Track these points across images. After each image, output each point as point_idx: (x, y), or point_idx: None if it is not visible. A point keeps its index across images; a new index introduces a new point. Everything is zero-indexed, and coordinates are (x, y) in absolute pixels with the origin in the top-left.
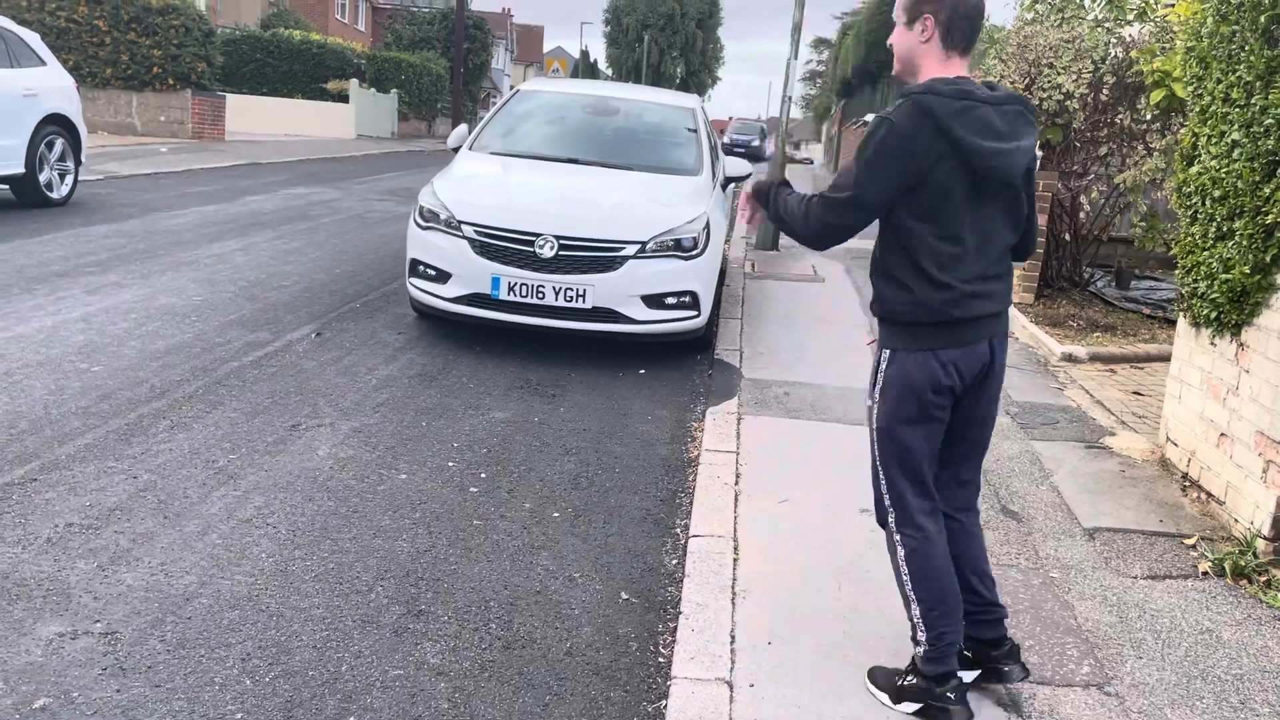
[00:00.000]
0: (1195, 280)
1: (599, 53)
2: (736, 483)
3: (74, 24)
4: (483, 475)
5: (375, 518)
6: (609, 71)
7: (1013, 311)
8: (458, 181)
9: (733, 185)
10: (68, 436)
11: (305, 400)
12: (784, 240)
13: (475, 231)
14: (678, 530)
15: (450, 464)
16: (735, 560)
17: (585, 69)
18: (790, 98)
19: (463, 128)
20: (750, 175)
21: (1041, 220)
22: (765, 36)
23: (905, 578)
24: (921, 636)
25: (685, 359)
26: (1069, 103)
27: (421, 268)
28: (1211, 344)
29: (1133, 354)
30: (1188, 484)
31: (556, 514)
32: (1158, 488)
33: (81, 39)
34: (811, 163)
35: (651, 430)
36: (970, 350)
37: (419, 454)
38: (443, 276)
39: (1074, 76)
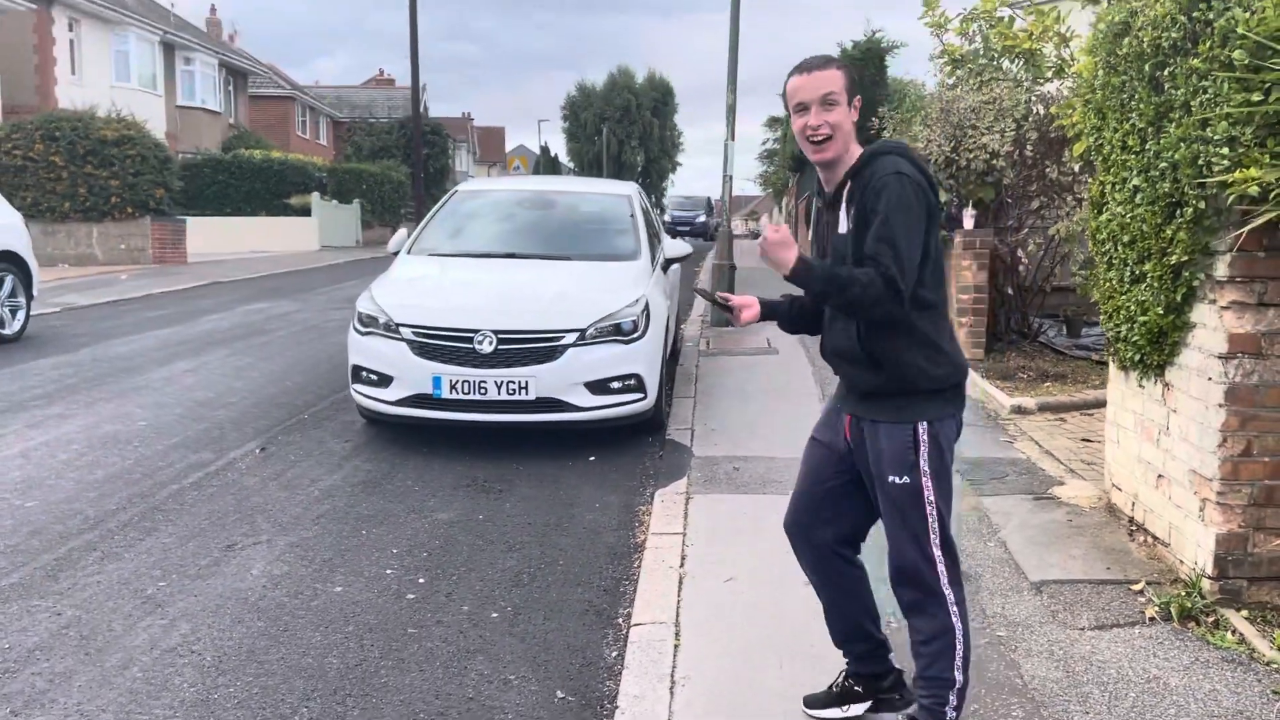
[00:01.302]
0: (1117, 325)
1: (559, 147)
2: (682, 565)
3: (31, 161)
4: (421, 580)
5: (305, 635)
6: (571, 165)
7: None
8: (396, 285)
9: (674, 266)
10: None
11: (243, 518)
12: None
13: (414, 333)
14: (619, 620)
15: (388, 571)
16: (676, 646)
17: (547, 164)
18: (731, 176)
19: (402, 232)
20: (689, 254)
21: (983, 276)
22: (721, 119)
23: (959, 658)
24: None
25: (637, 442)
26: (996, 161)
27: (364, 373)
28: (1140, 386)
29: (1081, 401)
30: (1134, 528)
31: (495, 614)
32: (1104, 534)
33: (39, 175)
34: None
35: (599, 518)
36: None
37: (356, 564)
38: (384, 380)
39: (998, 136)
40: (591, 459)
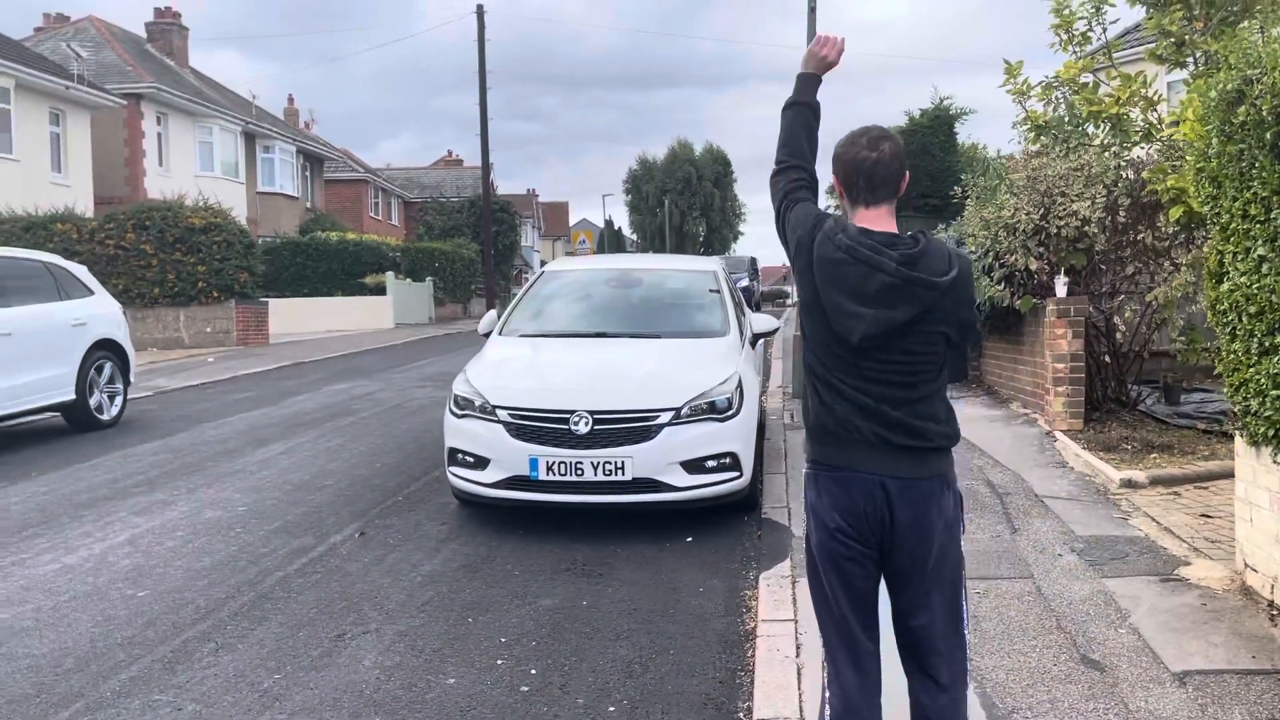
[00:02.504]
0: (1246, 398)
1: (622, 220)
2: (798, 655)
3: (123, 250)
4: (533, 671)
5: None
6: (634, 237)
7: (1063, 439)
8: (489, 367)
9: (761, 341)
10: (113, 670)
11: (350, 606)
12: (802, 413)
13: (509, 415)
14: (740, 715)
15: (499, 662)
16: None
17: (611, 237)
18: None
19: (491, 314)
20: (777, 329)
21: (1079, 344)
22: None
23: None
24: None
25: (732, 521)
26: (1087, 228)
27: (460, 455)
28: (1275, 462)
29: (1194, 473)
30: (1275, 612)
31: (612, 708)
32: (1244, 619)
33: (130, 263)
34: None
35: (704, 604)
36: None
37: (467, 654)
38: (481, 463)
39: (1089, 202)
40: (689, 540)
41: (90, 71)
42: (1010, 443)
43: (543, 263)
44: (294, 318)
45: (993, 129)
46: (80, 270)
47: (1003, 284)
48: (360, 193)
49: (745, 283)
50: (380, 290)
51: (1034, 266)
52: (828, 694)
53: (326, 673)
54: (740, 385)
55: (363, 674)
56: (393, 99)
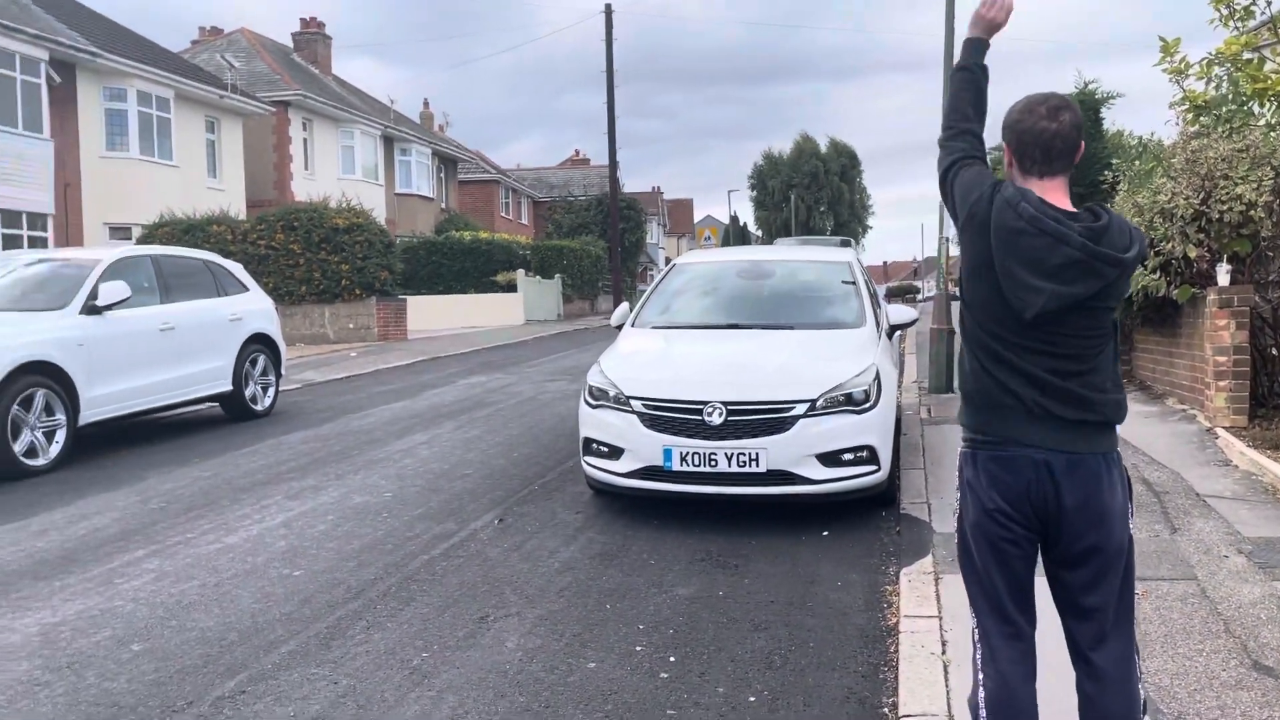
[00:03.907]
0: None
1: (747, 216)
2: (944, 652)
3: (273, 250)
4: (672, 659)
5: (568, 712)
6: (759, 233)
7: (1226, 436)
8: (623, 358)
9: (898, 333)
10: (273, 645)
11: (492, 590)
12: (958, 382)
13: (644, 405)
14: (885, 710)
15: (638, 648)
16: None
17: (736, 233)
18: (948, 238)
19: (624, 306)
20: (915, 320)
21: (1243, 336)
22: (909, 179)
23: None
24: None
25: (869, 516)
26: (1253, 212)
27: (594, 445)
28: None
29: None
30: None
31: (753, 698)
32: None
33: (279, 262)
34: None
35: (843, 598)
36: None
37: (606, 639)
38: (615, 452)
39: (1254, 185)
40: (825, 533)
41: (242, 81)
42: (1167, 440)
43: (668, 260)
44: (430, 314)
45: (1141, 114)
46: (236, 268)
47: (1158, 273)
48: (492, 193)
49: None
50: (511, 287)
51: (1193, 254)
52: (980, 676)
53: (471, 653)
54: (878, 377)
55: (506, 655)
56: (519, 100)
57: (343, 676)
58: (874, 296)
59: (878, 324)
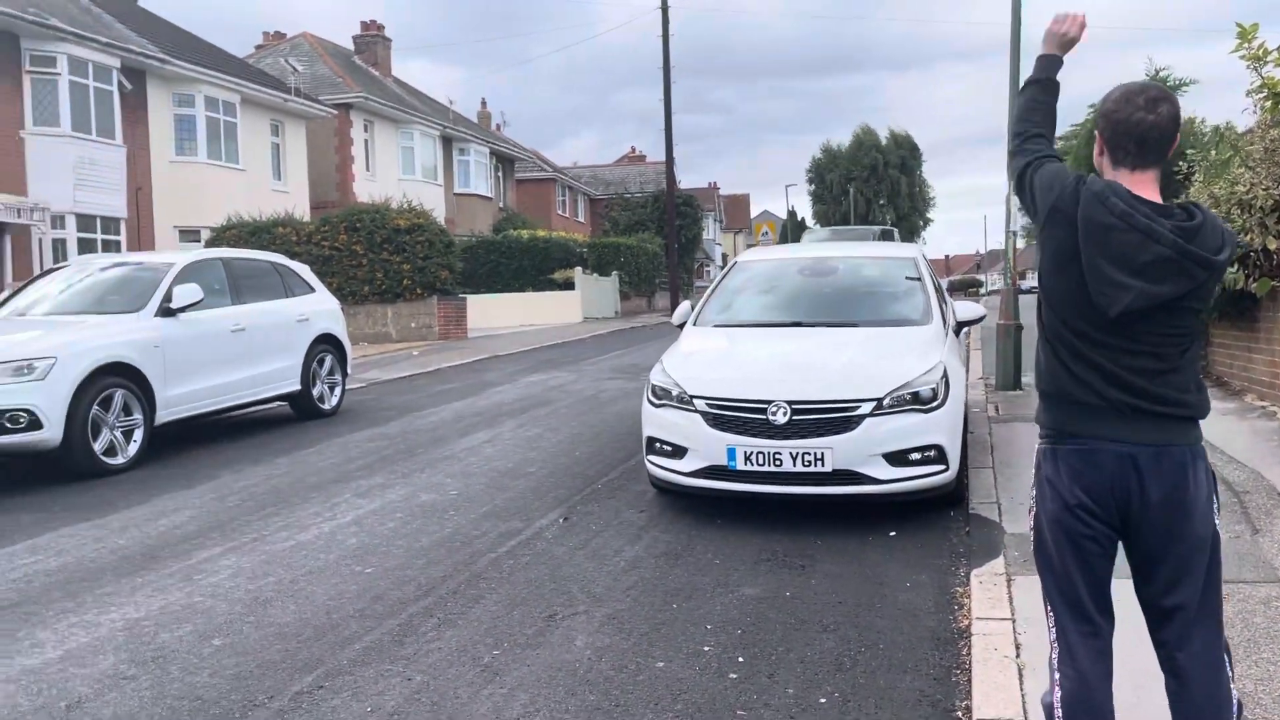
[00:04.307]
0: None
1: (805, 210)
2: (1018, 655)
3: (336, 250)
4: (740, 659)
5: (638, 711)
6: (816, 228)
7: None
8: (685, 357)
9: (965, 330)
10: (348, 640)
11: (559, 588)
12: (1027, 377)
13: (707, 404)
14: (959, 714)
15: (706, 648)
16: None
17: (793, 228)
18: (1015, 231)
19: (685, 305)
20: (983, 317)
21: None
22: (971, 170)
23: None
24: None
25: (937, 516)
26: None
27: (658, 444)
28: None
29: None
30: None
31: (823, 700)
32: None
33: (343, 263)
34: None
35: (913, 599)
36: None
37: (673, 639)
38: (679, 451)
39: None
40: (892, 534)
41: (305, 84)
42: (1247, 438)
43: (724, 256)
44: (489, 312)
45: (1216, 102)
46: (303, 269)
47: (1235, 265)
48: (548, 191)
49: None
50: (569, 285)
51: (1273, 246)
52: (1057, 676)
53: (541, 651)
54: (945, 375)
55: (575, 653)
56: (575, 98)
57: (416, 673)
58: (940, 292)
59: (944, 320)
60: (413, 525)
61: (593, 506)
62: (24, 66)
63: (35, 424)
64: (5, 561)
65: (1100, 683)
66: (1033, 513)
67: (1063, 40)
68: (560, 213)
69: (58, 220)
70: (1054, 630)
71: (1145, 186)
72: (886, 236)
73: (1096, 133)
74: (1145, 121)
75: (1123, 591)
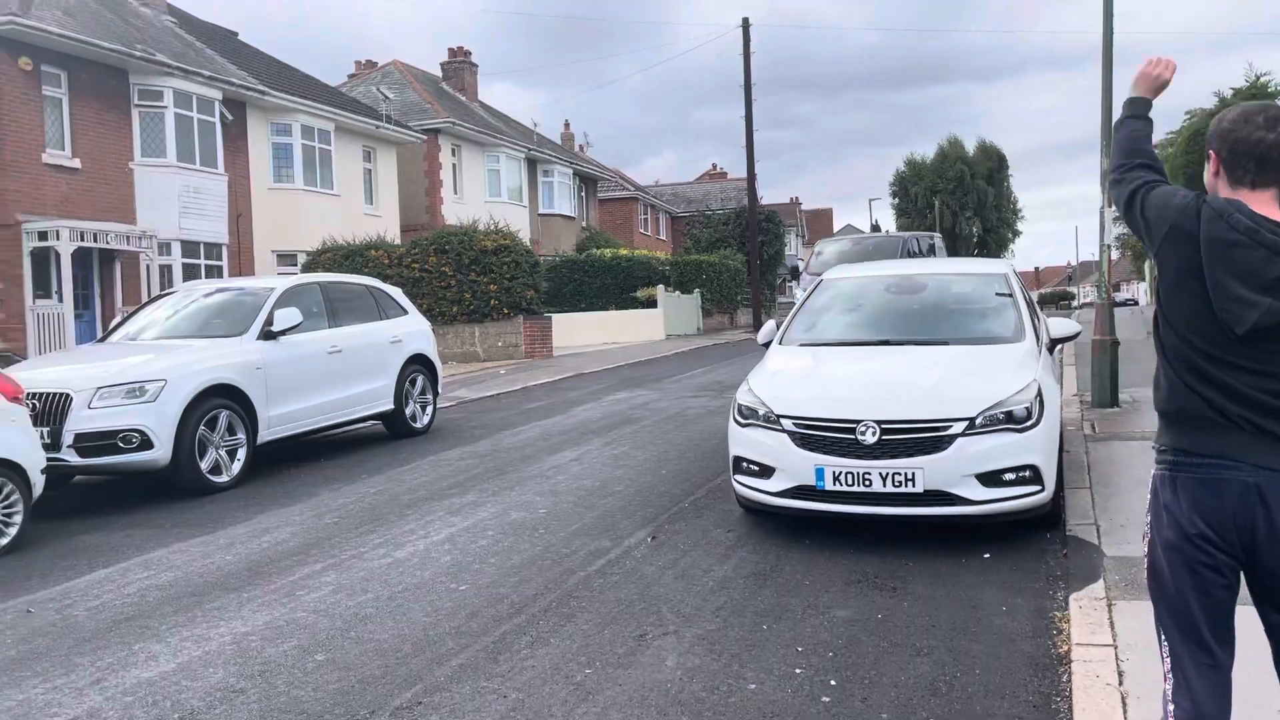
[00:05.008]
0: None
1: (889, 224)
2: (1120, 683)
3: (426, 272)
4: (832, 682)
5: None
6: (840, 238)
7: None
8: (771, 376)
9: (1059, 347)
10: (444, 657)
11: (649, 607)
12: (1124, 394)
13: (794, 424)
14: None
15: (798, 670)
16: None
17: None
18: (1109, 245)
19: (770, 324)
20: (1079, 334)
21: None
22: (1061, 180)
23: None
24: None
25: (1032, 538)
26: None
27: (744, 464)
28: None
29: None
30: None
31: None
32: None
33: (432, 284)
34: (1136, 303)
35: (1009, 623)
36: None
37: (764, 660)
38: (766, 471)
39: None
40: (986, 556)
41: (395, 111)
42: None
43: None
44: (573, 331)
45: None
46: (396, 292)
47: None
48: (630, 210)
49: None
50: (651, 303)
51: None
52: (1171, 708)
53: (632, 670)
54: (1040, 394)
55: (666, 674)
56: (656, 116)
57: (511, 690)
58: (1033, 308)
59: (1038, 338)
60: (504, 543)
61: (680, 525)
62: (133, 101)
63: (146, 444)
64: (120, 576)
65: (1219, 712)
66: (1147, 539)
67: (1155, 84)
68: (642, 231)
69: (164, 247)
70: (1168, 660)
71: (1265, 204)
72: (922, 246)
73: (1211, 153)
74: (1266, 140)
75: (1241, 618)
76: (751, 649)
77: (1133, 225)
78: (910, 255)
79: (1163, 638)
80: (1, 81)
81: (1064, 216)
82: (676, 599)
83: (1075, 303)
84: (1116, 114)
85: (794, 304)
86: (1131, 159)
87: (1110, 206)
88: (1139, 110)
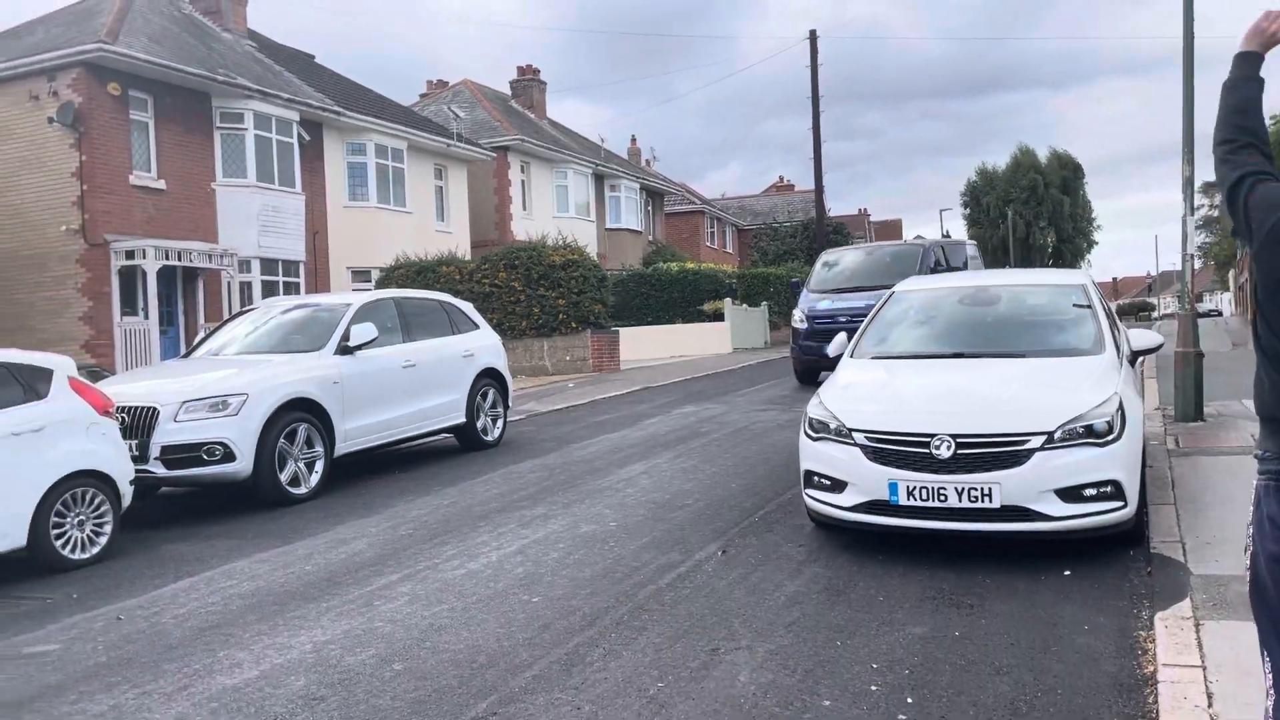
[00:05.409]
0: None
1: (960, 235)
2: (1210, 705)
3: (496, 288)
4: (909, 700)
5: None
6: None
7: None
8: (843, 390)
9: (1141, 359)
10: (518, 668)
11: (720, 621)
12: (1209, 408)
13: (866, 438)
14: None
15: (873, 687)
16: None
17: None
18: (1192, 255)
19: (841, 336)
20: (1161, 345)
21: None
22: (1138, 188)
23: None
24: None
25: (1114, 555)
26: None
27: (816, 478)
28: None
29: None
30: None
31: None
32: None
33: (502, 299)
34: (1220, 314)
35: (1091, 642)
36: None
37: (839, 677)
38: (838, 486)
39: None
40: (1066, 573)
41: (465, 129)
42: None
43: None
44: (640, 344)
45: None
46: (468, 307)
47: None
48: (697, 223)
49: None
50: (718, 316)
51: None
52: None
53: (705, 684)
54: (1121, 407)
55: (739, 689)
56: (721, 129)
57: (585, 702)
58: (1112, 320)
59: (1118, 350)
60: (575, 555)
61: (751, 540)
62: (215, 123)
63: (229, 456)
64: (205, 585)
65: None
66: (1249, 552)
67: (1268, 38)
68: (709, 244)
69: (244, 264)
70: (1271, 677)
71: None
72: (951, 257)
73: None
74: None
75: None
76: (825, 665)
77: (1233, 213)
78: (932, 270)
79: (1265, 655)
80: (91, 107)
81: (1142, 225)
82: (748, 613)
83: (1155, 314)
84: (1199, 122)
85: (796, 328)
86: (1239, 136)
87: (1191, 215)
88: (1249, 70)
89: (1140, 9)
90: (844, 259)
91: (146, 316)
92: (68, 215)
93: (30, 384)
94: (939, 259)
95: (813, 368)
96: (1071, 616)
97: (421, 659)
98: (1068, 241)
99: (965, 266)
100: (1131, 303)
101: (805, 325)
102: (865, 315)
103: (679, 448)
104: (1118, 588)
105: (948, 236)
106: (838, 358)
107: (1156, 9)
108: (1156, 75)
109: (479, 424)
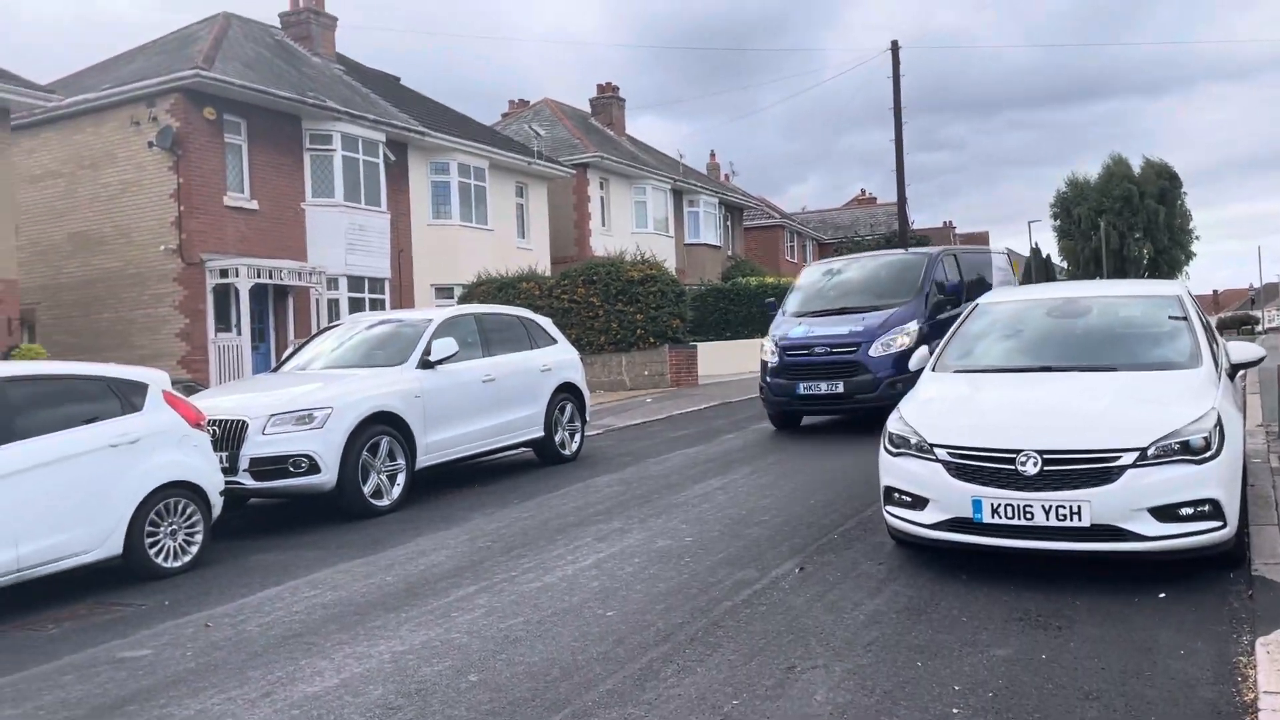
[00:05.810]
0: None
1: (1050, 247)
2: None
3: (575, 303)
4: None
5: None
6: (1063, 264)
7: None
8: (924, 404)
9: (1242, 374)
10: (592, 683)
11: (797, 639)
12: None
13: (949, 454)
14: None
15: (954, 710)
16: None
17: (1038, 266)
18: None
19: (923, 350)
20: (1263, 358)
21: None
22: (1240, 198)
23: None
24: None
25: (1213, 578)
26: None
27: (896, 495)
28: None
29: None
30: None
31: None
32: None
33: (580, 314)
34: None
35: (1187, 668)
36: None
37: (919, 698)
38: (919, 502)
39: None
40: (1161, 595)
41: (546, 147)
42: None
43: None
44: (718, 359)
45: None
46: (546, 322)
47: None
48: (776, 237)
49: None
50: None
51: None
52: None
53: (780, 703)
54: (1220, 423)
55: (815, 708)
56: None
57: (658, 718)
58: (1210, 332)
59: (1216, 363)
60: (650, 570)
61: (829, 557)
62: (304, 145)
63: (314, 468)
64: (290, 595)
65: None
66: None
67: None
68: (788, 258)
69: (332, 282)
70: None
71: None
72: (966, 269)
73: None
74: None
75: None
76: (905, 686)
77: None
78: (940, 285)
79: None
80: (189, 130)
81: (1244, 236)
82: (825, 632)
83: (1260, 327)
84: None
85: (764, 360)
86: None
87: None
88: None
89: (1244, 12)
90: (829, 275)
91: (239, 333)
92: (166, 235)
93: (127, 397)
94: (946, 275)
95: (786, 411)
96: (1167, 641)
97: (497, 671)
98: (1164, 253)
99: (989, 284)
100: (1233, 315)
101: (775, 359)
102: (850, 345)
103: (756, 463)
104: (1216, 611)
105: (1036, 249)
106: (919, 371)
107: (1253, 14)
108: (1256, 81)
109: (557, 438)
